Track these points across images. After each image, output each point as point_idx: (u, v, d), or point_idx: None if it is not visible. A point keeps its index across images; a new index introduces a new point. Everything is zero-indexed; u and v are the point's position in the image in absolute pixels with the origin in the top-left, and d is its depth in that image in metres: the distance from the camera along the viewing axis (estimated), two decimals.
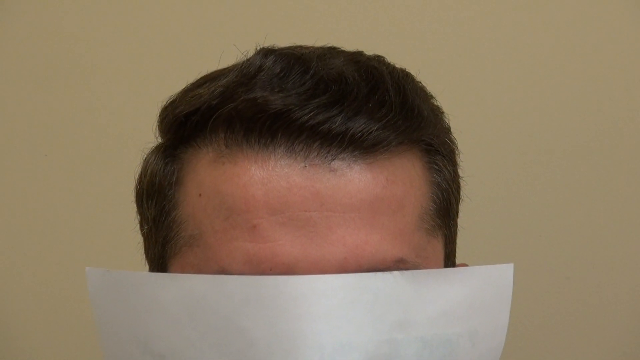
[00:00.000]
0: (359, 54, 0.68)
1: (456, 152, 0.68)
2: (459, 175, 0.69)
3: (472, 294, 0.61)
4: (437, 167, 0.65)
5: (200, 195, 0.63)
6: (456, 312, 0.61)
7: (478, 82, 0.97)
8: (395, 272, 0.59)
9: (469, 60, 0.97)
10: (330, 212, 0.59)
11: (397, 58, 0.69)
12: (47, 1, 1.02)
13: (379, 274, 0.58)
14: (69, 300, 1.02)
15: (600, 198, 0.97)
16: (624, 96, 0.96)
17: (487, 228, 0.96)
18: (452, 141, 0.68)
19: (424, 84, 0.69)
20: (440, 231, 0.65)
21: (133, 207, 0.71)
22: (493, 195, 0.96)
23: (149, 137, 0.68)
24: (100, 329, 0.63)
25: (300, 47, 0.67)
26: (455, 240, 0.69)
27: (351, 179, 0.60)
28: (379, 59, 0.68)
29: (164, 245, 0.67)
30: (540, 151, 0.97)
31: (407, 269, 0.60)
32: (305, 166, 0.60)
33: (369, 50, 0.69)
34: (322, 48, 0.68)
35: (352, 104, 0.60)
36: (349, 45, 0.69)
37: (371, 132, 0.60)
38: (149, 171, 0.67)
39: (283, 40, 0.69)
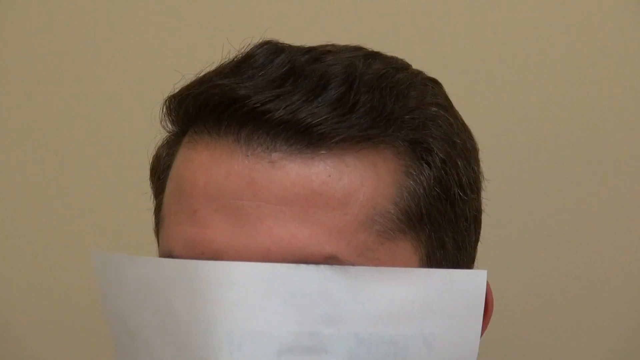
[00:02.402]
0: (357, 49, 0.67)
1: (459, 159, 0.65)
2: (455, 183, 0.64)
3: (428, 296, 0.60)
4: (412, 172, 0.63)
5: (171, 178, 0.66)
6: (406, 313, 0.59)
7: (486, 84, 0.96)
8: (323, 266, 0.58)
9: (476, 63, 0.96)
10: (262, 203, 0.59)
11: (409, 58, 0.69)
12: None
13: (302, 265, 0.58)
14: (80, 295, 1.03)
15: (612, 198, 0.93)
16: (631, 97, 0.94)
17: (497, 228, 0.95)
18: (452, 148, 0.65)
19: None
20: (408, 235, 0.62)
21: (144, 204, 0.73)
22: (502, 195, 0.95)
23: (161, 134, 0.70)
24: (102, 307, 0.67)
25: (324, 45, 0.67)
26: (446, 247, 0.65)
27: (288, 172, 0.60)
28: (374, 56, 0.67)
29: (157, 224, 0.70)
30: (550, 151, 0.95)
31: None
32: (248, 155, 0.60)
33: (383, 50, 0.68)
34: (342, 47, 0.67)
35: (303, 97, 0.60)
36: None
37: (317, 125, 0.59)
38: (156, 154, 0.70)
39: (293, 36, 0.69)
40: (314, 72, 0.61)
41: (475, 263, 0.71)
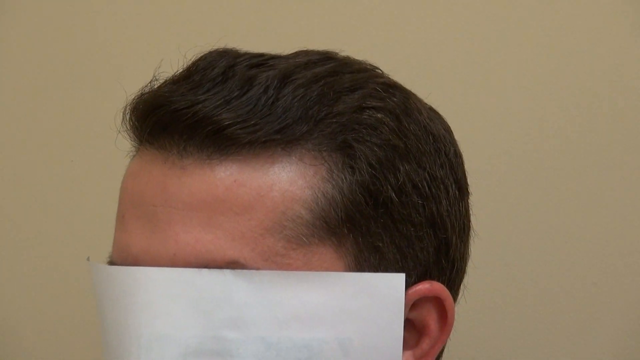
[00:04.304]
0: (318, 54, 0.66)
1: (403, 163, 0.63)
2: (391, 188, 0.62)
3: (343, 300, 0.60)
4: (332, 177, 0.61)
5: None
6: (319, 317, 0.60)
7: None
8: (226, 271, 0.59)
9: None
10: (172, 209, 0.61)
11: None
12: (77, 9, 1.05)
13: (205, 270, 0.59)
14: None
15: (630, 203, 0.92)
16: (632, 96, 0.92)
17: (513, 234, 0.94)
18: (391, 152, 0.63)
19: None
20: (327, 241, 0.61)
21: None
22: (519, 199, 0.94)
23: None
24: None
25: (297, 52, 0.67)
26: (382, 252, 0.62)
27: (195, 178, 0.61)
28: (328, 61, 0.65)
29: None
30: (566, 155, 0.94)
31: None
32: (165, 162, 0.62)
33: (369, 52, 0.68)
34: (310, 52, 0.67)
35: (219, 102, 0.60)
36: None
37: (226, 129, 0.59)
38: None
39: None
40: (244, 76, 0.61)
41: (470, 270, 0.70)
